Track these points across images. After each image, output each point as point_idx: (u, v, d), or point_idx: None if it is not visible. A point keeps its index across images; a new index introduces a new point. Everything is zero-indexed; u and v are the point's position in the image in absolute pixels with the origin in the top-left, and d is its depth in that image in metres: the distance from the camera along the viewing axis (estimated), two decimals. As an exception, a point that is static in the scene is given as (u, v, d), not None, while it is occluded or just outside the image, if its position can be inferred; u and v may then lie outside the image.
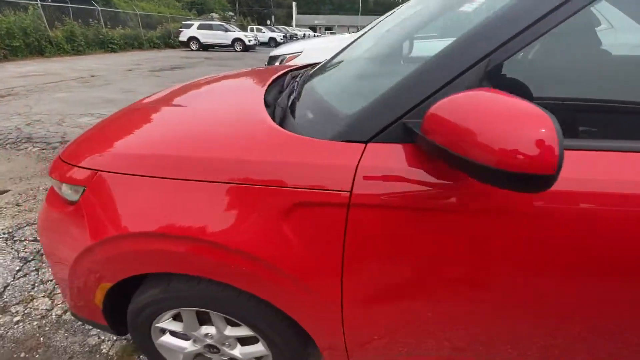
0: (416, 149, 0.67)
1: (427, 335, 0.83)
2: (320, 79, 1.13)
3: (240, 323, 0.94)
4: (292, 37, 29.19)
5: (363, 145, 0.69)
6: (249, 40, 18.45)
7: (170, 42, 19.48)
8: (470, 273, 0.70)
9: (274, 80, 1.30)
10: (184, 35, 17.80)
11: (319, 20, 63.48)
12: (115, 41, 15.43)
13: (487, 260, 0.68)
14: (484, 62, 0.63)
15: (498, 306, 0.74)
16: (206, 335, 1.00)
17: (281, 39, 25.71)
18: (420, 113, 0.65)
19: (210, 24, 18.76)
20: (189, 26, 17.96)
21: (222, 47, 18.48)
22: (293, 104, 1.00)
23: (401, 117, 0.67)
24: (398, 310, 0.79)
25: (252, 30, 25.13)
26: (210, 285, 0.87)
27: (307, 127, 0.80)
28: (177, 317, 1.01)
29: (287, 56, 3.19)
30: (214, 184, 0.75)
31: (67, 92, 5.99)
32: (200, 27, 17.87)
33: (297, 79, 1.29)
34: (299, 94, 1.06)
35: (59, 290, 1.61)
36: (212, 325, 0.99)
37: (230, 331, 0.97)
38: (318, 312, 0.82)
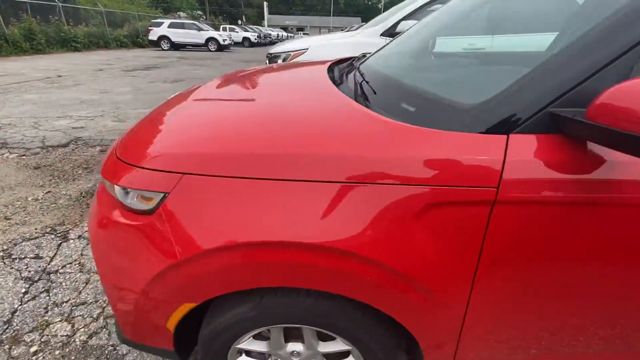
0: (565, 139, 0.62)
1: (552, 339, 0.79)
2: (401, 70, 1.07)
3: (333, 336, 0.86)
4: (265, 37, 28.88)
5: (505, 136, 0.64)
6: (224, 40, 17.98)
7: (138, 41, 18.57)
8: (626, 273, 0.66)
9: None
10: (154, 34, 17.02)
11: (290, 20, 63.17)
12: (79, 39, 14.45)
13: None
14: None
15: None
16: (292, 353, 0.91)
17: (255, 39, 25.34)
18: (569, 101, 0.61)
19: (182, 23, 18.08)
20: (159, 24, 17.20)
21: (195, 46, 17.88)
22: (369, 97, 0.93)
23: (547, 106, 0.62)
24: (529, 313, 0.74)
25: (225, 29, 24.51)
26: (311, 298, 0.77)
27: (413, 119, 0.73)
28: (256, 336, 0.90)
29: (292, 53, 3.08)
30: (332, 184, 0.66)
31: (36, 93, 5.50)
32: (171, 26, 17.17)
33: (355, 72, 1.21)
34: (373, 87, 0.99)
35: (78, 313, 1.43)
36: (299, 341, 0.90)
37: (323, 347, 0.89)
38: (436, 317, 0.75)
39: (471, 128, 0.66)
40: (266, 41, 28.57)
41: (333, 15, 55.60)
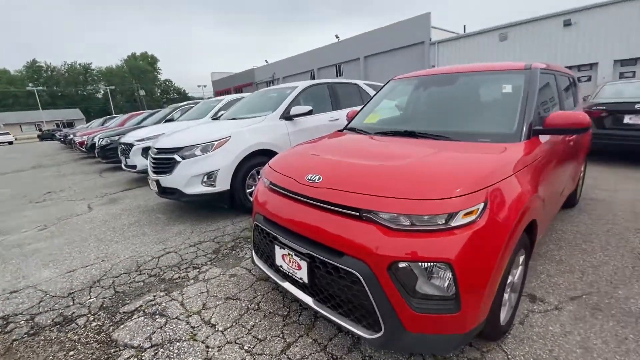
0: (538, 136, 1.89)
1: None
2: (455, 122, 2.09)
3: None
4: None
5: (535, 137, 1.83)
6: None
7: None
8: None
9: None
10: None
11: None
12: None
13: None
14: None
15: None
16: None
17: None
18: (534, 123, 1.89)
19: None
20: None
21: None
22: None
23: (532, 125, 1.87)
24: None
25: None
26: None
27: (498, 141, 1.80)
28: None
29: (215, 143, 3.16)
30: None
31: None
32: None
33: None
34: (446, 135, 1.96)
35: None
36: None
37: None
38: None
39: (519, 139, 1.80)
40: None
41: (43, 109, 45.70)
